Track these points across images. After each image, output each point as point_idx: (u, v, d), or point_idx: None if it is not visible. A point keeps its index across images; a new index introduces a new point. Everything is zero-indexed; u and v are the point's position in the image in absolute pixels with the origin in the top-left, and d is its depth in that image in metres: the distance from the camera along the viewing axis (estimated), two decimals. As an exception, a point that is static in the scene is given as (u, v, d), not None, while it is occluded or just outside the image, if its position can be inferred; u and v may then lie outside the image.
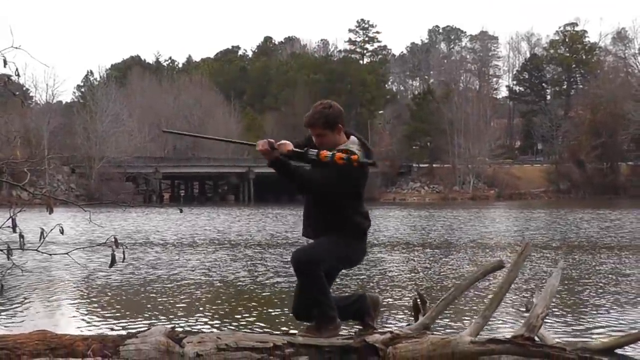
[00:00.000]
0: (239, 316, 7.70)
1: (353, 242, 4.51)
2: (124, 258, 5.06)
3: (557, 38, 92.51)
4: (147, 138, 73.68)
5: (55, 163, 58.30)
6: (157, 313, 7.92)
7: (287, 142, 4.38)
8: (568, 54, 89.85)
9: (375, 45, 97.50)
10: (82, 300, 9.05)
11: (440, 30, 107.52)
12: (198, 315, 7.76)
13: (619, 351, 4.43)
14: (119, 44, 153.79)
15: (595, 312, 7.79)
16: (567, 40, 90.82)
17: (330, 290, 4.54)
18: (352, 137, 4.54)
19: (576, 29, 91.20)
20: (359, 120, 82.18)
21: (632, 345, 4.91)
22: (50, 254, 5.79)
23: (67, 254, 5.20)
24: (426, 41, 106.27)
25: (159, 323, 6.82)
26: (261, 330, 6.43)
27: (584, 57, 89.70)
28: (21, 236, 4.63)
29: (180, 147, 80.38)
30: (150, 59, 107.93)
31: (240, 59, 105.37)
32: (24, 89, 65.62)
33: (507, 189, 70.37)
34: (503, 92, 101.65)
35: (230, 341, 4.18)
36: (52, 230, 4.68)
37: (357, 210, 4.51)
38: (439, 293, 8.60)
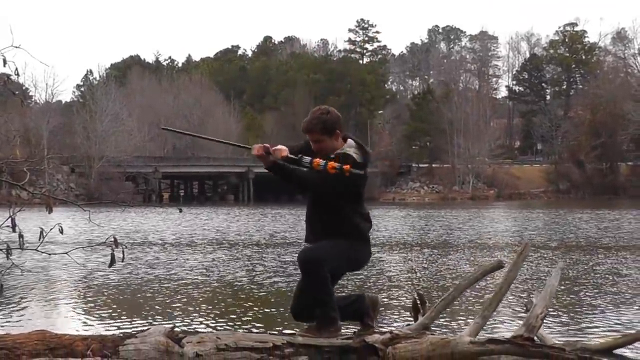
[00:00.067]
0: (237, 316, 7.70)
1: (356, 243, 4.51)
2: (123, 258, 5.06)
3: (556, 38, 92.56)
4: (146, 138, 73.69)
5: (54, 162, 58.32)
6: (155, 313, 7.92)
7: (283, 147, 4.38)
8: (568, 54, 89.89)
9: (375, 45, 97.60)
10: (81, 300, 9.05)
11: (440, 30, 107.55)
12: (197, 315, 7.76)
13: (618, 351, 4.43)
14: (119, 44, 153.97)
15: (593, 312, 7.79)
16: (566, 40, 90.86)
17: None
18: (349, 141, 4.53)
19: (576, 29, 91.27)
20: (359, 120, 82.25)
21: (630, 347, 4.91)
22: (50, 254, 5.79)
23: (66, 253, 5.19)
24: (426, 41, 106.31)
25: (158, 323, 6.82)
26: (259, 331, 6.43)
27: (583, 57, 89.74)
28: (20, 236, 4.63)
29: (179, 147, 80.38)
30: (150, 58, 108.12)
31: (240, 59, 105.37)
32: (24, 88, 65.79)
33: (506, 189, 70.42)
34: (503, 92, 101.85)
35: (229, 341, 4.18)
36: (51, 229, 4.67)
37: (357, 211, 4.51)
38: (438, 293, 8.61)
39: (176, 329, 4.42)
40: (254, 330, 6.66)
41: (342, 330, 4.52)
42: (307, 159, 4.30)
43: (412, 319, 5.08)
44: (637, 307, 8.13)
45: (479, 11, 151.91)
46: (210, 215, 34.02)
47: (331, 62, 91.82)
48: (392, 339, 4.29)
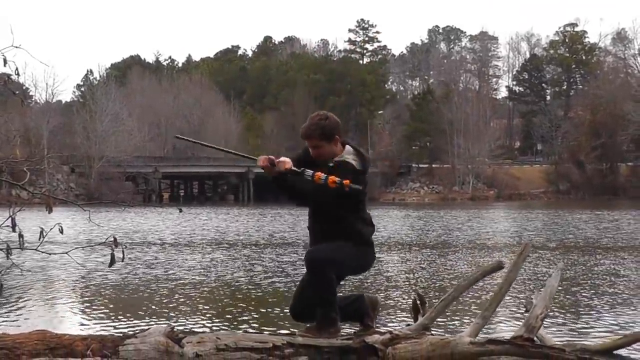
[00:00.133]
0: (236, 316, 7.69)
1: (360, 247, 4.52)
2: (123, 258, 5.06)
3: (557, 38, 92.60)
4: (146, 138, 73.75)
5: (54, 162, 58.33)
6: (154, 313, 7.91)
7: (287, 159, 4.39)
8: (568, 55, 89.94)
9: (375, 45, 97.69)
10: (81, 300, 9.04)
11: (440, 30, 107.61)
12: (195, 315, 7.76)
13: (617, 352, 4.43)
14: (119, 43, 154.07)
15: (592, 313, 7.78)
16: (567, 40, 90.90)
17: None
18: (348, 147, 4.53)
19: (576, 29, 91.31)
20: (359, 120, 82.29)
21: (630, 347, 4.90)
22: (50, 254, 5.79)
23: (66, 253, 5.20)
24: (426, 41, 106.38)
25: (157, 323, 6.82)
26: (258, 331, 6.42)
27: (583, 57, 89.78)
28: (20, 235, 4.63)
29: (179, 147, 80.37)
30: (150, 58, 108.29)
31: (240, 59, 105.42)
32: (24, 88, 65.83)
33: (506, 189, 70.45)
34: (503, 93, 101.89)
35: (229, 341, 4.18)
36: (51, 229, 4.68)
37: (359, 216, 4.53)
38: (438, 293, 8.61)
39: (176, 329, 4.42)
40: (252, 330, 6.65)
41: (342, 331, 4.52)
42: (310, 172, 4.32)
43: (411, 319, 5.08)
44: (636, 308, 8.13)
45: (479, 11, 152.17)
46: (209, 215, 34.01)
47: (331, 62, 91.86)
48: (392, 339, 4.29)
